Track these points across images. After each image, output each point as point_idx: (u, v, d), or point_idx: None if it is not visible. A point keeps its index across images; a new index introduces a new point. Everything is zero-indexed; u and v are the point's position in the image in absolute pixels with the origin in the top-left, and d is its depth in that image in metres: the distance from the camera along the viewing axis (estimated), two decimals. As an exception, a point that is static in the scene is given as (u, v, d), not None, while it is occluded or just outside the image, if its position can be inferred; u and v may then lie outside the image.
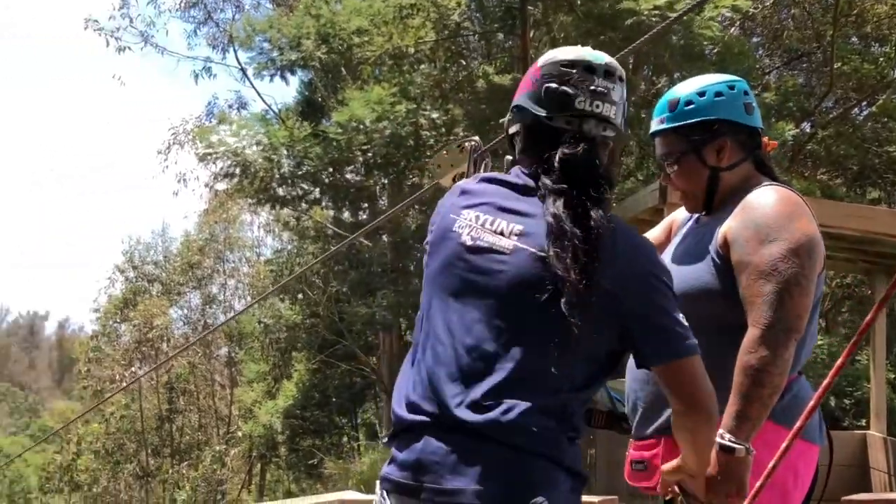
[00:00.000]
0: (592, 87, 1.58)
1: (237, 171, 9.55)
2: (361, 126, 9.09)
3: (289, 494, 19.03)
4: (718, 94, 1.97)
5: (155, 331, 20.08)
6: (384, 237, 13.73)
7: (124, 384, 20.20)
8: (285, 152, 9.35)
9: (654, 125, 2.04)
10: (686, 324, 1.52)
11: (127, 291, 22.34)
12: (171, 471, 20.16)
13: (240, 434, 20.16)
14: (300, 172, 9.39)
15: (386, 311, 13.21)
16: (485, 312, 1.49)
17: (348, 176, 11.76)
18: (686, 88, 2.01)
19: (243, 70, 14.82)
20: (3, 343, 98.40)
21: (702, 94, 1.97)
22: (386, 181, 12.39)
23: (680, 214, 2.23)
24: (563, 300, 1.42)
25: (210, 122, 15.51)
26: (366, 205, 14.71)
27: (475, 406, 1.43)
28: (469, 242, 1.53)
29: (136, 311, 20.77)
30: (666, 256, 2.04)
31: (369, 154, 9.31)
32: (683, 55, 9.20)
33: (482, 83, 9.88)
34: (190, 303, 23.39)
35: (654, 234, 2.29)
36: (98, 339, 22.00)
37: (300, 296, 16.47)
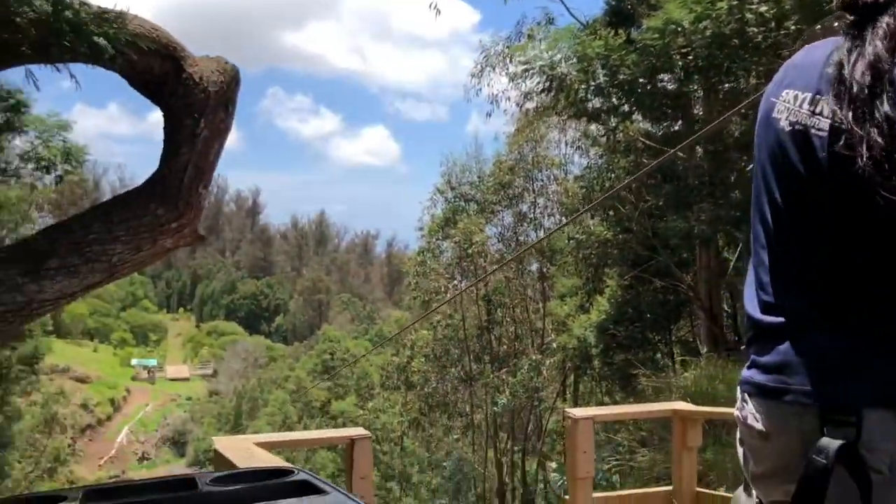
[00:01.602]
0: None
1: (552, 85, 9.58)
2: (679, 29, 8.58)
3: (601, 405, 19.49)
4: None
5: (473, 247, 21.43)
6: (699, 148, 13.06)
7: (448, 296, 21.99)
8: (599, 63, 9.16)
9: None
10: None
11: (447, 211, 24.01)
12: (491, 376, 21.67)
13: (554, 346, 20.97)
14: (615, 82, 9.15)
15: (704, 225, 12.65)
16: (810, 209, 1.33)
17: (662, 84, 11.26)
18: None
19: (551, -16, 14.73)
20: (343, 259, 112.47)
21: None
22: (703, 88, 11.68)
23: None
24: (841, 145, 1.20)
25: (520, 41, 15.69)
26: (678, 114, 14.03)
27: (831, 308, 1.31)
28: (787, 128, 1.33)
29: (457, 229, 22.31)
30: None
31: (689, 58, 8.77)
32: None
33: (819, -33, 8.74)
34: (503, 221, 24.52)
35: None
36: (424, 255, 24.04)
37: (611, 212, 16.39)
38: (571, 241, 19.60)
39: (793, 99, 1.35)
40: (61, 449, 27.53)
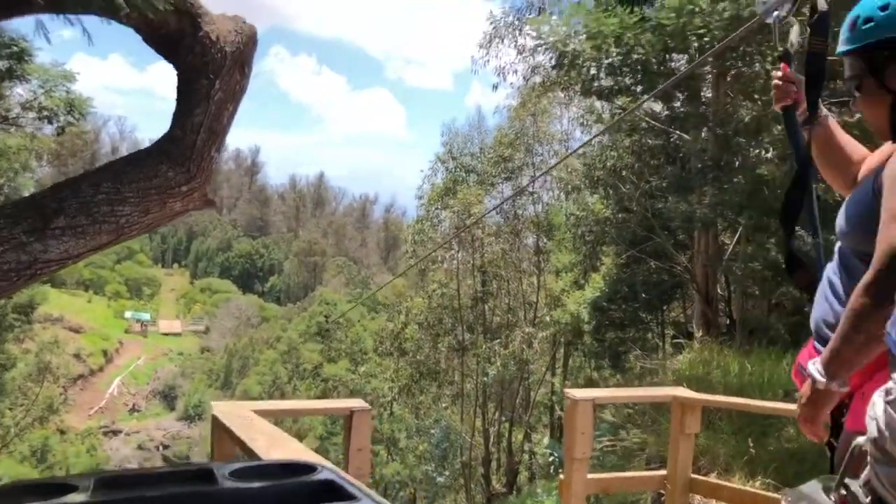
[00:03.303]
0: None
1: (563, 61, 9.45)
2: (697, 9, 8.45)
3: (589, 381, 19.65)
4: None
5: (472, 218, 21.36)
6: (705, 130, 12.95)
7: (445, 265, 22.03)
8: (613, 41, 9.03)
9: (839, 46, 1.82)
10: None
11: (447, 180, 23.89)
12: (483, 346, 21.76)
13: (547, 319, 21.04)
14: (629, 61, 9.04)
15: (706, 209, 12.59)
16: None
17: (675, 65, 11.13)
18: (868, 3, 1.77)
19: (564, -43, 14.51)
20: (340, 222, 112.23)
21: (884, 7, 1.73)
22: (715, 71, 11.55)
23: None
24: None
25: (530, 13, 15.51)
26: (687, 96, 13.91)
27: None
28: None
29: (456, 199, 22.22)
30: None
31: (705, 39, 8.64)
32: None
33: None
34: (502, 193, 24.42)
35: None
36: (422, 224, 23.97)
37: (611, 191, 16.34)
38: (570, 218, 19.58)
39: None
40: (53, 397, 27.59)
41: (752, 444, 5.81)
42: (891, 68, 1.73)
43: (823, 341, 1.91)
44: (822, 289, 1.93)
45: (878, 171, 1.75)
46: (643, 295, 16.98)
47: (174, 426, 59.11)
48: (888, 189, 1.65)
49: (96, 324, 72.34)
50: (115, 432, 56.35)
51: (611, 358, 17.89)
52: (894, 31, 1.72)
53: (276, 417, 4.06)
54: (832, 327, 1.87)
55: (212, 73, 2.40)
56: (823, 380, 1.74)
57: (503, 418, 22.99)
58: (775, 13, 2.34)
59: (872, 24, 1.75)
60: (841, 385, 1.74)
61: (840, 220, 1.91)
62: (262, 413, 3.64)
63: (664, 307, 18.58)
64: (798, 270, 2.15)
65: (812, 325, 1.97)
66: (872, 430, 1.39)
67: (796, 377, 2.07)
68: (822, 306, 1.92)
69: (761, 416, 5.90)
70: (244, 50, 2.63)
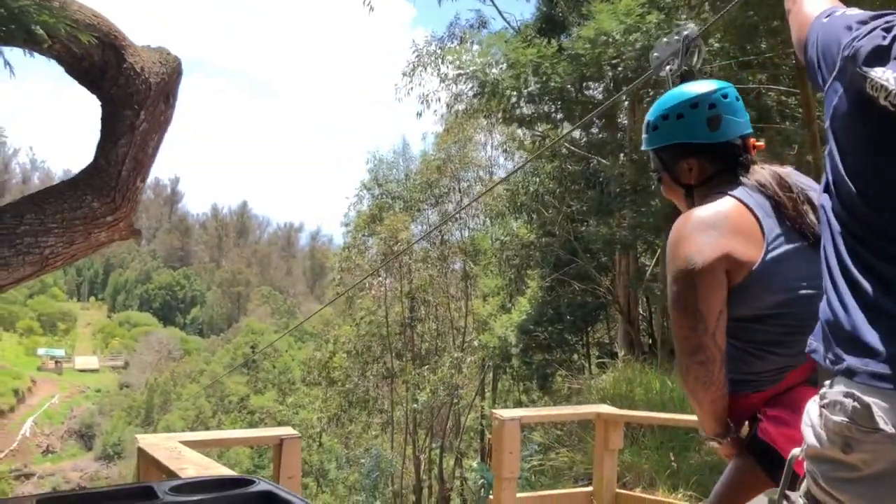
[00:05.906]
0: None
1: (484, 90, 9.68)
2: (610, 40, 8.80)
3: (518, 404, 19.82)
4: (679, 115, 1.99)
5: (399, 244, 21.42)
6: (622, 155, 13.40)
7: (372, 292, 21.96)
8: (531, 70, 9.31)
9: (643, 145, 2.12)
10: None
11: (373, 207, 23.92)
12: (413, 373, 21.73)
13: (475, 344, 21.18)
14: (546, 90, 9.32)
15: (625, 231, 13.01)
16: None
17: (591, 93, 11.52)
18: (655, 109, 2.06)
19: (485, -13, 14.91)
20: (265, 251, 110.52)
21: (665, 116, 2.02)
22: (629, 99, 12.00)
23: None
24: None
25: (452, 43, 15.81)
26: (604, 123, 14.38)
27: None
28: (892, 109, 1.35)
29: (383, 225, 22.26)
30: None
31: (619, 68, 9.01)
32: None
33: (743, -13, 9.07)
34: (428, 219, 24.57)
35: None
36: (349, 251, 23.89)
37: (535, 215, 16.69)
38: (496, 242, 19.86)
39: (894, 80, 1.30)
40: (-42, 442, 26.16)
41: (673, 459, 6.02)
42: (679, 166, 2.02)
43: None
44: None
45: None
46: (568, 317, 17.31)
47: (91, 466, 56.64)
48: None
49: (7, 362, 68.99)
50: (28, 476, 53.65)
51: (538, 380, 18.10)
52: (671, 138, 2.02)
53: (203, 449, 4.00)
54: None
55: (136, 103, 2.43)
56: (712, 440, 1.97)
57: (434, 445, 22.94)
58: (667, 67, 2.55)
59: (658, 130, 2.05)
60: (727, 435, 1.93)
61: None
62: (189, 444, 3.60)
63: (589, 328, 18.96)
64: None
65: None
66: (809, 437, 1.41)
67: None
68: None
69: (683, 430, 6.12)
70: (169, 81, 2.66)
